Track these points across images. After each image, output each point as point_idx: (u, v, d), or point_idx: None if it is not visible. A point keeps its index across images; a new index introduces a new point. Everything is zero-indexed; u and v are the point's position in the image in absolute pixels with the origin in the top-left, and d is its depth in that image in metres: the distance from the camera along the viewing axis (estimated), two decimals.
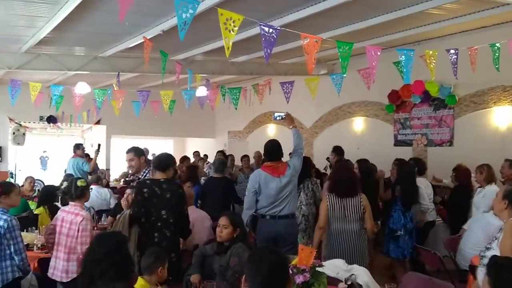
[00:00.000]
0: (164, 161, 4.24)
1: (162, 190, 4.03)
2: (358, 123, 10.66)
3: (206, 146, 14.44)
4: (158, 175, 4.15)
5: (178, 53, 8.74)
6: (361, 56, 5.70)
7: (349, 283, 3.45)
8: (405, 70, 4.36)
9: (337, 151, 7.37)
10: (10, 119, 12.55)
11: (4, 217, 3.79)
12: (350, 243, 4.45)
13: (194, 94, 8.05)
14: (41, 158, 19.66)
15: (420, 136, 9.22)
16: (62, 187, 4.65)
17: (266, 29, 3.48)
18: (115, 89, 8.03)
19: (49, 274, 3.96)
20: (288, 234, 4.50)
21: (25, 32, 7.14)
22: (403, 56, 4.32)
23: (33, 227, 5.23)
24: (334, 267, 3.61)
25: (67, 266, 3.85)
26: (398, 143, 9.71)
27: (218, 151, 10.30)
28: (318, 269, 3.11)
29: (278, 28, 3.54)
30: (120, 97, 7.66)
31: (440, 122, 8.88)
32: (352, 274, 3.50)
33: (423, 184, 5.83)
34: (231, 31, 3.28)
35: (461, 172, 6.18)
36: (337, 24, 7.23)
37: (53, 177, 12.48)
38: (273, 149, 4.86)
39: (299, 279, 2.66)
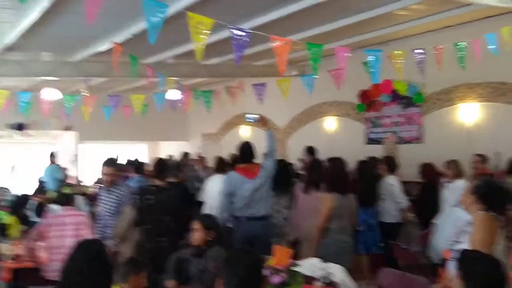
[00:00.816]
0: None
1: (164, 196, 4.33)
2: (330, 123, 10.80)
3: (180, 150, 14.32)
4: (157, 181, 4.49)
5: (149, 56, 8.66)
6: (330, 57, 5.77)
7: (325, 281, 3.50)
8: (373, 70, 4.45)
9: (310, 151, 7.45)
10: None
11: None
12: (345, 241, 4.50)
13: (165, 98, 8.00)
14: (10, 166, 19.22)
15: (390, 134, 9.40)
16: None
17: (237, 32, 3.49)
18: (84, 94, 7.90)
19: (52, 278, 3.89)
20: (264, 235, 4.52)
21: None
22: (371, 57, 4.40)
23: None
24: (310, 266, 3.64)
25: None
26: (369, 141, 9.88)
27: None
28: (294, 268, 3.15)
29: (249, 31, 3.57)
30: (90, 102, 7.54)
31: (409, 120, 9.08)
32: (328, 272, 3.54)
33: (395, 182, 5.96)
34: (202, 35, 3.28)
35: (426, 169, 6.34)
36: (307, 26, 7.31)
37: (22, 186, 12.20)
38: (246, 150, 4.89)
39: (276, 279, 2.68)
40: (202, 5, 5.24)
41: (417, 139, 8.96)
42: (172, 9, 5.40)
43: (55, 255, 4.07)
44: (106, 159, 4.77)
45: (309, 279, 3.43)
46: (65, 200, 4.24)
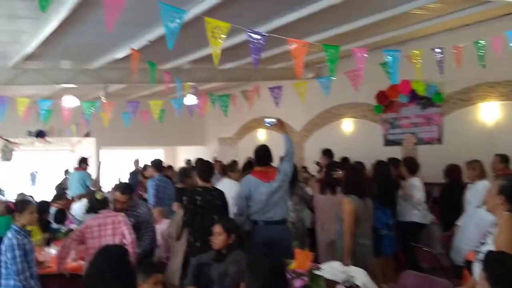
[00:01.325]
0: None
1: (212, 197, 4.57)
2: (347, 125, 10.73)
3: (196, 154, 14.40)
4: (201, 183, 4.71)
5: (166, 62, 8.74)
6: (347, 58, 5.76)
7: (347, 284, 3.47)
8: (391, 70, 4.40)
9: (327, 154, 7.41)
10: None
11: (9, 235, 3.78)
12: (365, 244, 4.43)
13: (183, 103, 8.05)
14: (31, 174, 19.53)
15: (410, 135, 9.29)
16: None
17: (253, 35, 3.50)
18: (103, 101, 8.00)
19: None
20: (282, 240, 4.48)
21: (10, 47, 7.11)
22: (389, 57, 4.36)
23: None
24: (331, 269, 3.62)
25: None
26: (388, 143, 9.78)
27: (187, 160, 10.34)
28: (316, 272, 3.12)
29: (265, 34, 3.57)
30: (109, 108, 7.63)
31: (428, 120, 8.97)
32: (350, 276, 3.51)
33: (418, 183, 5.90)
34: (219, 39, 3.29)
35: (452, 170, 6.23)
36: (323, 28, 7.28)
37: (43, 192, 12.38)
38: (262, 153, 4.87)
39: (298, 283, 2.67)
40: (217, 10, 5.26)
41: (437, 140, 8.84)
42: (188, 15, 5.48)
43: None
44: (122, 185, 4.82)
45: (331, 283, 3.41)
46: (100, 205, 4.39)
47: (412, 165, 6.15)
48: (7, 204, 4.64)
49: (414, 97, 8.98)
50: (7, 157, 12.56)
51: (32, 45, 6.68)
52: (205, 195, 4.58)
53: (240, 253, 3.48)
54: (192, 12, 5.43)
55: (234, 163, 7.75)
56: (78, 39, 6.94)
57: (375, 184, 5.72)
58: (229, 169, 6.89)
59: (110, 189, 11.19)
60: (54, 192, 7.43)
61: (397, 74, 4.35)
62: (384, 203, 5.71)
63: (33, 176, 19.61)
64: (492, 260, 2.08)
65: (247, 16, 6.13)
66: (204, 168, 4.95)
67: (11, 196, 9.87)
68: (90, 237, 4.25)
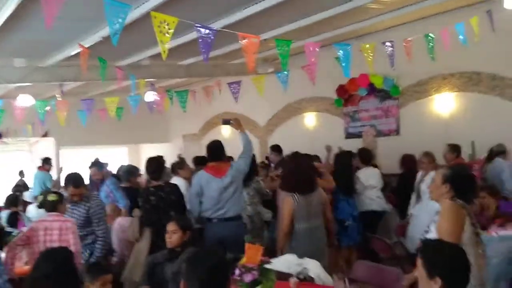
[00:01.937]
0: None
1: (166, 194, 4.61)
2: (310, 119, 10.82)
3: (161, 152, 14.18)
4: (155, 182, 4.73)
5: (124, 58, 8.56)
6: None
7: (301, 277, 3.50)
8: (343, 64, 4.45)
9: (276, 150, 7.41)
10: None
11: None
12: (315, 240, 4.40)
13: (140, 100, 7.92)
14: None
15: (369, 127, 9.45)
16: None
17: (203, 30, 3.46)
18: (58, 99, 7.78)
19: None
20: (235, 236, 4.44)
21: None
22: (340, 51, 4.40)
23: None
24: (285, 262, 3.64)
25: None
26: (349, 135, 9.92)
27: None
28: (267, 266, 3.13)
29: (215, 29, 3.54)
30: (64, 107, 7.43)
31: (386, 113, 9.15)
32: (304, 268, 3.55)
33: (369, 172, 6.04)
34: (166, 34, 3.24)
35: (406, 160, 6.39)
36: (279, 23, 7.29)
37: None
38: (215, 149, 4.85)
39: (248, 277, 2.67)
40: (170, 6, 5.18)
41: (395, 132, 9.03)
42: (144, 9, 5.38)
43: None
44: (73, 178, 4.63)
45: (285, 275, 3.43)
46: (51, 207, 4.20)
47: (365, 155, 6.28)
48: None
49: (372, 90, 9.15)
50: None
51: None
52: (159, 193, 4.52)
53: (194, 251, 3.45)
54: (144, 7, 5.35)
55: (182, 160, 7.64)
56: (28, 36, 6.71)
57: (336, 175, 5.82)
58: (177, 167, 6.80)
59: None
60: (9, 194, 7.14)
61: (349, 68, 4.39)
62: (347, 194, 5.86)
63: None
64: (428, 248, 2.13)
65: (201, 11, 6.07)
66: (154, 166, 4.86)
67: None
68: (36, 241, 4.09)
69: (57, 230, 4.06)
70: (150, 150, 15.28)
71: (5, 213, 5.96)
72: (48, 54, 8.00)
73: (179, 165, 6.81)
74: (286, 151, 9.13)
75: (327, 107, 10.32)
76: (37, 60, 8.33)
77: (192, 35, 6.73)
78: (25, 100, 8.80)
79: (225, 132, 13.13)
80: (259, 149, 11.80)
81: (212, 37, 3.48)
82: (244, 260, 2.79)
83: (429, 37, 5.33)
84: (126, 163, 13.41)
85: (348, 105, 9.84)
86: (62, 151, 13.88)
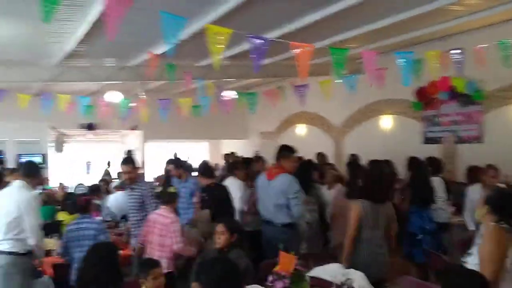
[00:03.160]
0: None
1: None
2: (386, 121, 10.52)
3: (239, 148, 14.62)
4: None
5: (201, 59, 8.94)
6: (382, 55, 5.64)
7: (345, 287, 3.50)
8: (403, 72, 4.32)
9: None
10: (52, 128, 13.23)
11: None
12: (374, 253, 4.29)
13: (210, 100, 8.23)
14: (86, 163, 20.66)
15: (449, 133, 9.00)
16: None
17: (256, 41, 3.57)
18: (141, 97, 8.35)
19: None
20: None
21: (54, 47, 7.56)
22: (401, 59, 4.28)
23: (56, 234, 5.57)
24: (330, 270, 3.67)
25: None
26: (427, 140, 9.51)
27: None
28: (310, 274, 3.19)
29: (268, 39, 3.63)
30: (144, 104, 7.96)
31: (468, 118, 8.64)
32: (348, 279, 3.54)
33: (438, 184, 5.76)
34: (219, 45, 3.40)
35: (473, 171, 6.02)
36: (354, 25, 7.18)
37: (96, 181, 13.10)
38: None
39: (279, 285, 2.75)
40: (230, 18, 5.35)
41: (477, 139, 8.50)
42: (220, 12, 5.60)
43: (148, 248, 4.47)
44: (124, 157, 5.00)
45: (326, 284, 3.46)
46: (167, 199, 4.50)
47: (434, 164, 5.99)
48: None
49: (454, 94, 8.67)
50: (59, 148, 13.35)
51: (72, 44, 7.07)
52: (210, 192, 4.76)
53: (240, 252, 3.59)
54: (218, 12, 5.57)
55: (241, 161, 7.64)
56: (116, 38, 7.25)
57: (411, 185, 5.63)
58: (234, 168, 6.66)
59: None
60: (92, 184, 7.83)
61: (410, 76, 4.26)
62: (422, 205, 5.56)
63: (88, 166, 20.78)
64: (449, 274, 2.07)
65: (270, 17, 6.17)
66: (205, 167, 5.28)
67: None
68: (149, 231, 4.50)
69: (160, 225, 4.37)
70: (229, 145, 15.80)
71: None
72: (133, 55, 8.59)
73: (237, 166, 6.78)
74: (360, 154, 9.04)
75: (405, 110, 9.97)
76: (124, 60, 8.99)
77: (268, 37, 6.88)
78: (113, 96, 9.55)
79: (300, 131, 13.19)
80: (333, 150, 11.71)
81: (265, 47, 3.57)
82: (277, 268, 2.87)
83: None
84: (207, 158, 14.06)
85: (427, 108, 9.43)
86: (148, 144, 14.78)
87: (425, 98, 9.36)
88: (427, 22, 7.38)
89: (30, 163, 4.75)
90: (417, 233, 5.41)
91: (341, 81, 5.07)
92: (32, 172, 4.42)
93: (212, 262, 2.25)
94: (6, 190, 4.32)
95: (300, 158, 8.01)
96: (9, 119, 11.81)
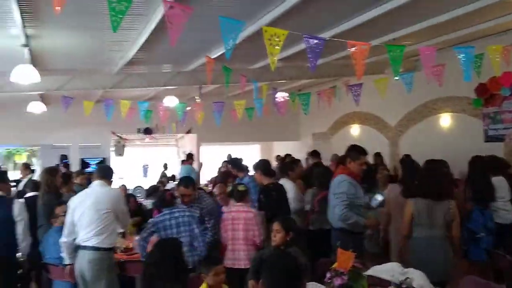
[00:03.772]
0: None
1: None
2: (445, 120, 10.19)
3: (291, 149, 14.65)
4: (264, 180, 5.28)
5: (256, 62, 9.08)
6: (440, 51, 5.49)
7: (403, 286, 3.47)
8: (464, 68, 4.21)
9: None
10: (113, 133, 13.85)
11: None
12: (433, 252, 4.29)
13: (263, 102, 8.33)
14: (143, 166, 21.43)
15: None
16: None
17: (311, 40, 3.62)
18: (197, 101, 8.59)
19: (229, 265, 4.55)
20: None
21: (116, 55, 7.94)
22: (461, 55, 4.17)
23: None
24: (389, 269, 3.65)
25: (247, 255, 4.63)
26: (488, 139, 9.14)
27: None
28: (368, 273, 3.20)
29: (324, 38, 3.67)
30: (199, 108, 8.19)
31: None
32: (407, 278, 3.50)
33: (501, 183, 5.55)
34: (276, 46, 3.47)
35: None
36: (415, 20, 7.02)
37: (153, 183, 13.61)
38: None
39: (337, 281, 2.78)
40: (291, 16, 5.40)
41: None
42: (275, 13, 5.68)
43: (230, 246, 4.75)
44: (183, 179, 5.12)
45: (384, 283, 3.44)
46: (239, 196, 4.79)
47: (495, 163, 5.77)
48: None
49: None
50: (120, 152, 13.96)
51: (132, 52, 7.40)
52: (268, 192, 4.85)
53: (297, 250, 3.64)
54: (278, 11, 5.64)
55: (294, 162, 7.61)
56: (171, 45, 7.52)
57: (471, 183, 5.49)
58: (288, 169, 6.66)
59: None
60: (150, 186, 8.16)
61: (471, 72, 4.15)
62: (482, 203, 5.48)
63: (144, 169, 21.54)
64: None
65: (325, 17, 6.17)
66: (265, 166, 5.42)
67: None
68: (229, 228, 4.74)
69: (243, 220, 4.61)
70: (281, 147, 15.87)
71: (148, 202, 6.85)
72: (190, 60, 8.86)
73: (290, 166, 6.81)
74: (417, 154, 8.81)
75: (464, 107, 9.61)
76: (180, 66, 9.28)
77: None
78: (170, 101, 9.89)
79: (354, 132, 13.04)
80: (389, 150, 11.49)
81: (321, 47, 3.61)
82: (335, 265, 2.90)
83: None
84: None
85: (488, 105, 9.06)
86: (203, 147, 15.13)
87: (485, 94, 9.00)
88: (488, 16, 7.10)
89: (106, 166, 5.32)
90: (477, 231, 5.29)
91: (398, 78, 4.95)
92: (108, 173, 4.82)
93: (274, 257, 2.32)
94: (90, 189, 4.67)
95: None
96: (74, 125, 12.53)
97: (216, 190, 5.75)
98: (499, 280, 4.59)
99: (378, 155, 10.20)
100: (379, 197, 5.31)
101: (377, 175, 6.51)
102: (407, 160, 7.04)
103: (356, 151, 4.75)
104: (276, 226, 3.82)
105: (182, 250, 2.97)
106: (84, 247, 4.38)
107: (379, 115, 12.06)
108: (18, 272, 5.11)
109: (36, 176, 7.99)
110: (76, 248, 4.49)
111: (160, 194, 5.61)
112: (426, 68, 4.15)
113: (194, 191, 5.05)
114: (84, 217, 4.42)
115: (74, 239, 4.53)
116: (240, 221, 4.64)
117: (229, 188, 5.73)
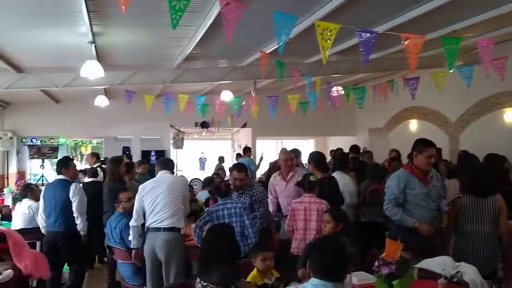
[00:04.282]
0: None
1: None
2: (509, 115, 9.75)
3: (347, 144, 14.50)
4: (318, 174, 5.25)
5: (311, 56, 9.11)
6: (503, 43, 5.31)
7: (455, 280, 3.45)
8: None
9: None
10: (171, 126, 14.36)
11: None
12: (480, 248, 4.28)
13: (317, 96, 8.36)
14: (200, 159, 22.04)
15: None
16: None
17: (364, 34, 3.65)
18: (253, 95, 8.76)
19: (295, 253, 4.68)
20: None
21: (174, 51, 8.26)
22: None
23: None
24: (441, 263, 3.64)
25: None
26: None
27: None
28: (418, 265, 3.22)
29: (377, 32, 3.69)
30: (254, 102, 8.34)
31: None
32: (459, 272, 3.48)
33: None
34: (328, 40, 3.54)
35: None
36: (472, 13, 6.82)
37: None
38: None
39: (385, 270, 2.83)
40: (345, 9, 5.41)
41: None
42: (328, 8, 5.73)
43: (299, 235, 4.78)
44: (236, 164, 5.37)
45: (435, 276, 3.44)
46: (310, 186, 4.85)
47: None
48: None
49: None
50: (178, 145, 14.45)
51: (190, 48, 7.67)
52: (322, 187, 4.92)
53: (346, 241, 3.70)
54: (326, 9, 5.69)
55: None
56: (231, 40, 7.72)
57: None
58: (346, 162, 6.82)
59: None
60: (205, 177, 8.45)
61: None
62: None
63: (201, 162, 22.15)
64: None
65: (380, 10, 6.12)
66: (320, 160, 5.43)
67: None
68: (299, 218, 4.78)
69: (315, 211, 4.67)
70: (336, 142, 15.76)
71: (203, 193, 7.12)
72: (245, 56, 9.04)
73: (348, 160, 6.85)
74: (479, 150, 8.49)
75: None
76: (236, 61, 9.49)
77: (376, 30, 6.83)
78: (226, 95, 10.15)
79: (413, 127, 12.73)
80: (448, 146, 11.14)
81: (373, 40, 3.64)
82: (384, 254, 2.95)
83: None
84: None
85: None
86: (258, 141, 15.34)
87: None
88: None
89: (167, 159, 5.64)
90: None
91: (452, 72, 4.84)
92: (170, 165, 5.19)
93: (321, 241, 2.43)
94: (161, 177, 5.00)
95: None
96: (135, 119, 13.13)
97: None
98: None
99: (436, 151, 9.91)
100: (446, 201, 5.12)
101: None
102: (463, 155, 6.87)
103: (422, 143, 4.52)
104: (326, 216, 3.91)
105: (235, 234, 3.13)
106: (159, 229, 4.69)
107: (439, 110, 11.71)
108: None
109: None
110: (146, 232, 4.81)
111: (216, 184, 5.86)
112: (484, 62, 4.05)
113: (246, 176, 5.27)
114: (157, 201, 4.74)
115: (143, 224, 4.84)
116: (313, 212, 4.67)
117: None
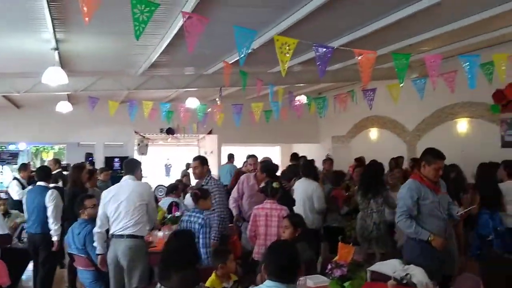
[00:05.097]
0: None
1: None
2: (462, 125, 10.24)
3: (311, 152, 14.80)
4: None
5: (275, 66, 9.30)
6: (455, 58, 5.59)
7: (404, 282, 3.66)
8: (469, 76, 4.38)
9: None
10: (136, 132, 14.29)
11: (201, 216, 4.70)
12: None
13: (280, 105, 8.57)
14: (165, 166, 21.92)
15: None
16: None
17: (320, 49, 3.85)
18: (218, 103, 8.88)
19: (256, 258, 4.79)
20: None
21: (139, 58, 8.29)
22: (466, 63, 4.34)
23: None
24: (391, 266, 3.85)
25: None
26: (505, 144, 9.17)
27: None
28: (371, 268, 3.41)
29: (332, 47, 3.89)
30: (219, 110, 8.47)
31: None
32: (407, 274, 3.70)
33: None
34: (286, 54, 3.71)
35: None
36: (432, 26, 7.14)
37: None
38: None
39: (337, 272, 3.00)
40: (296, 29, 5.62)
41: None
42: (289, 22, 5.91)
43: (260, 240, 4.90)
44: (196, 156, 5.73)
45: (385, 277, 3.65)
46: (272, 193, 4.98)
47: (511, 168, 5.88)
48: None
49: None
50: (143, 151, 14.37)
51: (155, 55, 7.74)
52: None
53: (304, 245, 3.88)
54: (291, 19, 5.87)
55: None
56: (195, 49, 7.82)
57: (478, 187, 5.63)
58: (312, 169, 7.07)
59: None
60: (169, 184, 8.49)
61: (475, 80, 4.31)
62: (491, 207, 5.58)
63: (167, 168, 22.04)
64: None
65: (337, 25, 6.36)
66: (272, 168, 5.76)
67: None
68: (260, 224, 4.90)
69: (276, 218, 4.77)
70: (301, 150, 16.03)
71: (166, 200, 7.18)
72: (211, 64, 9.16)
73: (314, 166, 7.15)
74: None
75: (482, 113, 9.66)
76: (201, 69, 9.59)
77: (338, 42, 7.03)
78: (192, 102, 10.22)
79: (373, 135, 13.14)
80: (407, 154, 11.56)
81: (329, 55, 3.83)
82: (336, 258, 3.12)
83: None
84: (278, 161, 14.45)
85: (505, 111, 9.09)
86: (224, 147, 15.43)
87: (503, 100, 9.04)
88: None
89: (132, 160, 5.50)
90: (488, 234, 5.41)
91: (402, 85, 5.10)
92: (135, 167, 5.09)
93: (275, 244, 2.58)
94: (124, 183, 4.94)
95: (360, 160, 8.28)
96: (99, 125, 13.00)
97: None
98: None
99: (398, 159, 10.25)
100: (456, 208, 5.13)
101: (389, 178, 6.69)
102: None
103: (430, 154, 4.35)
104: (285, 222, 4.07)
105: (195, 241, 3.24)
106: (122, 236, 4.70)
107: (397, 119, 12.15)
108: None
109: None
110: (110, 238, 4.83)
111: (179, 191, 5.98)
112: (431, 76, 4.32)
113: (201, 165, 5.53)
114: (120, 209, 4.73)
115: (107, 230, 4.86)
116: (274, 218, 4.79)
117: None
